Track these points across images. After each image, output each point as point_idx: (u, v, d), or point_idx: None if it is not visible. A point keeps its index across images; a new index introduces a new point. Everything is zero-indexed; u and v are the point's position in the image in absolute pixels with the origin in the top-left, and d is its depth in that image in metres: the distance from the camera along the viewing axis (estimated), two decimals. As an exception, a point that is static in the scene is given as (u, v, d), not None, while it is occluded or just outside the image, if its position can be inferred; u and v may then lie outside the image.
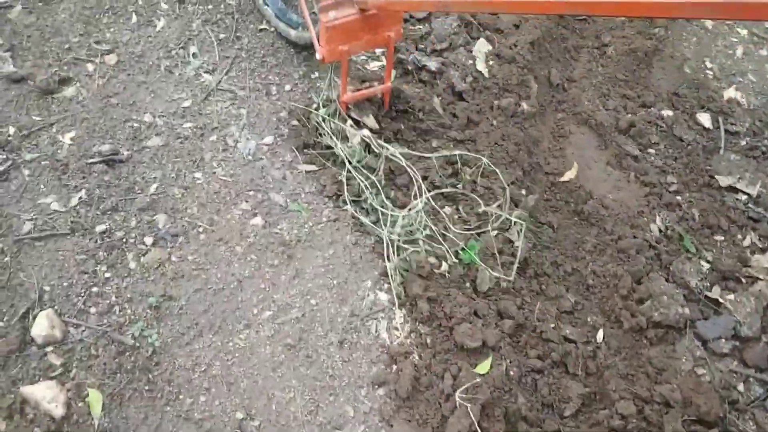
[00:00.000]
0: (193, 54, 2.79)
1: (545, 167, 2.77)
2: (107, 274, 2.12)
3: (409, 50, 2.94)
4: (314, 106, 2.60)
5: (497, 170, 2.46)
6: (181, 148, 2.49)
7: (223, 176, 2.43)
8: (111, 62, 2.71)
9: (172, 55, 2.78)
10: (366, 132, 2.45)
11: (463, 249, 2.31)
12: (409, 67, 2.87)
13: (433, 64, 2.87)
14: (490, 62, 2.93)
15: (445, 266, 2.30)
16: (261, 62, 2.80)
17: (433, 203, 2.41)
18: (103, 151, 2.40)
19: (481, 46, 2.96)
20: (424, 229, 2.28)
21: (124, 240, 2.21)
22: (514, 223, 2.37)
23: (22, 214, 2.22)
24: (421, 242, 2.27)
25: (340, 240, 2.31)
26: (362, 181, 2.36)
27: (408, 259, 2.23)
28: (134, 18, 2.88)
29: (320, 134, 2.52)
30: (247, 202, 2.37)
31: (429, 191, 2.39)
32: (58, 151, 2.40)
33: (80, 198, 2.28)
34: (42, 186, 2.30)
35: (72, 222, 2.22)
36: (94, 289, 2.09)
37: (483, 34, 3.05)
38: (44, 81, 2.53)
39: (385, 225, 2.27)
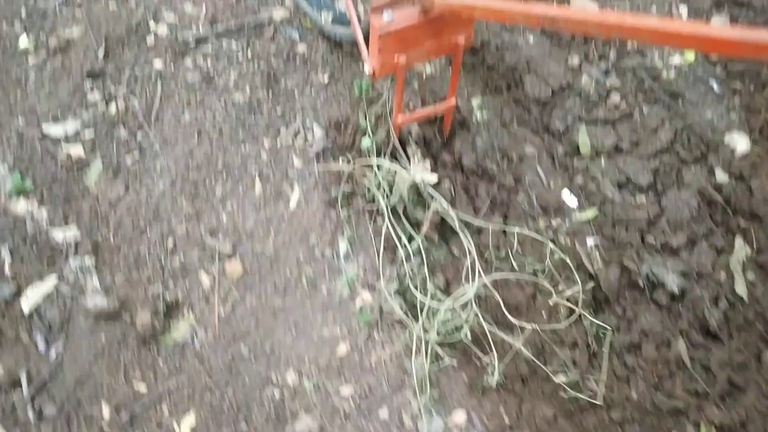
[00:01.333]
0: (345, 255, 1.98)
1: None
2: None
3: (632, 244, 2.11)
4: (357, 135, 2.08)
5: None
6: (342, 436, 1.75)
7: (405, 492, 1.70)
8: (234, 274, 1.91)
9: (316, 255, 1.97)
10: (427, 175, 1.93)
11: None
12: (640, 282, 2.05)
13: (673, 279, 2.05)
14: (750, 276, 2.10)
15: None
16: (436, 267, 1.99)
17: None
18: (238, 457, 1.66)
19: (739, 253, 2.11)
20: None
21: None
22: None
23: None
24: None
25: None
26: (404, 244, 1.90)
27: None
28: (258, 185, 2.05)
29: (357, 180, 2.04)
30: None
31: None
32: (175, 455, 1.67)
33: None
34: None
35: None
36: None
37: (734, 220, 2.18)
38: (146, 324, 1.76)
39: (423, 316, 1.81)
